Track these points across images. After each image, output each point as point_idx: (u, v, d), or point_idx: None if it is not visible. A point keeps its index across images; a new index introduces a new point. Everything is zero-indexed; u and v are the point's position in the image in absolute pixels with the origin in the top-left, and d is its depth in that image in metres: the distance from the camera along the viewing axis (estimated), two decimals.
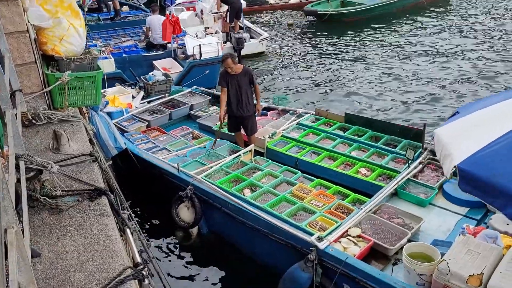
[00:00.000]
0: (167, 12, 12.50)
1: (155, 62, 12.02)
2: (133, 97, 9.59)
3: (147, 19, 12.74)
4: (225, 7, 14.39)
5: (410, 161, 6.47)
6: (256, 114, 7.65)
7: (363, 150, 7.18)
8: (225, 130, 7.99)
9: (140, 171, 7.29)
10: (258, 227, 5.69)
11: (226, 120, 7.96)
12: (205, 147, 7.52)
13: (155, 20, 12.37)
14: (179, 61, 12.10)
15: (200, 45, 11.56)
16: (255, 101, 7.66)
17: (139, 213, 7.33)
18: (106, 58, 11.09)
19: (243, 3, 17.94)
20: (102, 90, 7.62)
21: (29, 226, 3.15)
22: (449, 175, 3.71)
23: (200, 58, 11.51)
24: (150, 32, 12.62)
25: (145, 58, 12.06)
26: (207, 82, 11.20)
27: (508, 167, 3.24)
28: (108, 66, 10.65)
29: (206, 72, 11.33)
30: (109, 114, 8.16)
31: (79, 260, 3.09)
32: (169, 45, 12.48)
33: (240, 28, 14.12)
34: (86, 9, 10.17)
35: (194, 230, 6.67)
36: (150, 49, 12.70)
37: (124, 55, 12.01)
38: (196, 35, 12.84)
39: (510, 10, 17.89)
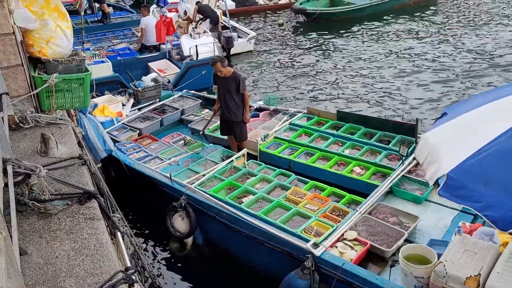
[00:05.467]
0: (160, 13, 12.41)
1: (150, 64, 11.96)
2: (123, 105, 9.46)
3: (141, 20, 12.56)
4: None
5: (404, 158, 6.44)
6: (244, 122, 7.48)
7: (357, 148, 7.15)
8: (218, 134, 7.92)
9: (131, 178, 7.18)
10: (254, 235, 5.63)
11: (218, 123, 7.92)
12: (197, 153, 7.43)
13: (150, 21, 12.27)
14: (175, 62, 12.06)
15: (196, 45, 11.51)
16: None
17: (132, 223, 7.20)
18: (103, 62, 10.98)
19: (232, 4, 18.13)
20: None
21: (18, 231, 3.06)
22: (432, 181, 3.65)
23: (197, 59, 11.47)
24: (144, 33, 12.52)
25: (140, 61, 12.00)
26: (204, 82, 11.23)
27: (499, 174, 3.22)
28: (105, 70, 10.59)
29: (203, 72, 11.30)
30: None
31: (69, 264, 3.00)
32: (163, 46, 12.42)
33: (226, 28, 14.14)
34: (82, 13, 10.00)
35: (189, 240, 6.56)
36: (143, 51, 12.61)
37: (118, 58, 11.90)
38: (191, 35, 12.81)
39: (496, 10, 18.08)
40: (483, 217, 3.28)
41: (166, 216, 6.44)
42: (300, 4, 18.20)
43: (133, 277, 2.79)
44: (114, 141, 7.88)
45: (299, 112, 8.43)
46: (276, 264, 5.46)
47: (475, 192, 3.26)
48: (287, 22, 18.32)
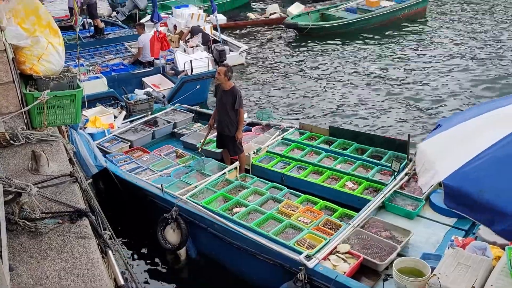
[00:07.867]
0: (154, 29, 12.47)
1: (144, 79, 11.95)
2: (115, 117, 9.44)
3: (139, 38, 12.56)
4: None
5: (396, 173, 6.46)
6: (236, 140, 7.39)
7: (349, 163, 7.17)
8: (210, 147, 7.92)
9: (122, 191, 7.14)
10: (246, 247, 5.60)
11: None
12: (190, 166, 7.41)
13: (147, 39, 12.25)
14: (169, 77, 12.07)
15: (191, 60, 11.56)
16: None
17: (123, 236, 7.14)
18: (97, 77, 10.97)
19: (224, 18, 18.24)
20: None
21: (8, 251, 3.02)
22: (425, 189, 3.63)
23: (191, 73, 11.51)
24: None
25: (134, 76, 11.99)
26: (199, 97, 11.31)
27: (495, 182, 3.18)
28: (100, 85, 10.57)
29: (198, 86, 11.36)
30: (91, 135, 7.98)
31: (60, 285, 2.98)
32: (157, 61, 12.42)
33: (217, 41, 14.22)
34: (78, 30, 9.99)
35: (183, 253, 6.52)
36: (138, 66, 12.60)
37: (113, 73, 11.87)
38: (184, 50, 12.82)
39: (485, 23, 18.26)
40: (493, 231, 3.21)
41: (156, 227, 6.39)
42: (292, 19, 18.35)
43: None
44: (105, 153, 7.86)
45: (292, 127, 8.46)
46: (269, 276, 5.43)
47: (477, 202, 3.22)
48: (278, 38, 18.40)
